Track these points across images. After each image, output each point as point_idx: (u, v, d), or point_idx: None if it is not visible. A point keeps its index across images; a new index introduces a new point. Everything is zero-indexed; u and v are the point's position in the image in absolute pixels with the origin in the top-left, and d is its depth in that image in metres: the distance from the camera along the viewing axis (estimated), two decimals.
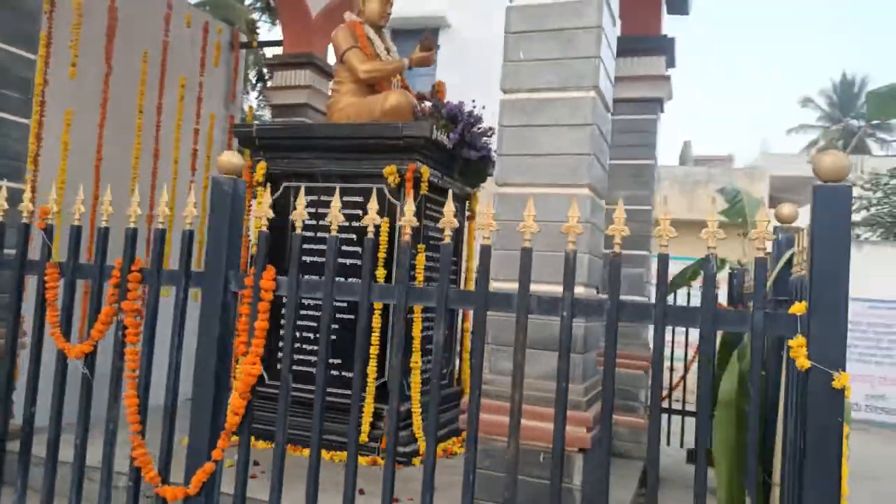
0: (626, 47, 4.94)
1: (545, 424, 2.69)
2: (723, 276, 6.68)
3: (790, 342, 1.76)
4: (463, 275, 5.24)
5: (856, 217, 15.11)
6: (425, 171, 4.30)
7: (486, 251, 2.09)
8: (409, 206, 2.14)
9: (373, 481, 3.28)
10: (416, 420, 4.27)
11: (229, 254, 2.34)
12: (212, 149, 6.41)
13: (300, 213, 2.29)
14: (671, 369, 6.78)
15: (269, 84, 7.07)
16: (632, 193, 5.55)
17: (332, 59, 7.37)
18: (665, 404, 6.59)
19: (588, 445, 2.69)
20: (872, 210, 14.50)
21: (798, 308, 1.79)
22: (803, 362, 1.72)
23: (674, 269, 8.62)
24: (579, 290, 2.72)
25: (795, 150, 36.95)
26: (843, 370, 1.70)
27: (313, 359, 4.50)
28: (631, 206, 5.43)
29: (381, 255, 4.24)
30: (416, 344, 4.33)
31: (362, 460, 4.11)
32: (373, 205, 2.18)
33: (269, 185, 4.55)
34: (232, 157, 2.37)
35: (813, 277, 1.74)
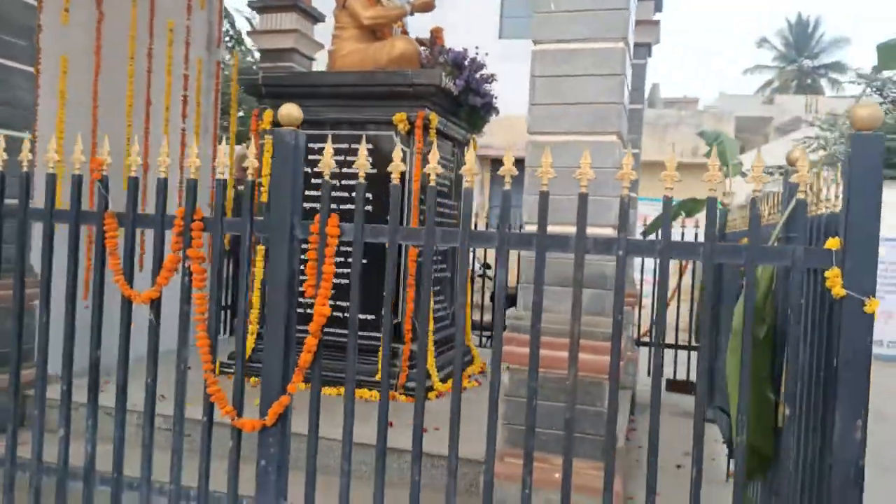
0: None
1: (584, 355, 2.92)
2: (701, 216, 7.01)
3: (827, 273, 1.99)
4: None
5: (813, 156, 15.66)
6: (434, 117, 4.41)
7: (544, 197, 2.25)
8: (471, 156, 2.29)
9: (394, 415, 3.42)
10: (430, 359, 4.49)
11: (293, 202, 2.46)
12: (201, 95, 6.36)
13: (362, 163, 2.42)
14: (652, 306, 7.13)
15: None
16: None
17: (317, 2, 7.30)
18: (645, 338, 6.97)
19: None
20: (830, 149, 15.04)
21: (832, 243, 2.02)
22: (839, 291, 1.96)
23: (645, 210, 8.88)
24: (609, 231, 2.91)
25: (751, 90, 37.60)
26: (874, 297, 1.94)
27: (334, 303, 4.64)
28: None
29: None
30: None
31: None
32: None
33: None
34: (292, 110, 2.47)
35: (849, 216, 1.96)
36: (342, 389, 4.38)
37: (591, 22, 2.89)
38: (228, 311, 6.84)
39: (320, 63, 7.30)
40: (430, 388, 4.42)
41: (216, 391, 2.49)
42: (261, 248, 4.64)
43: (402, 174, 4.38)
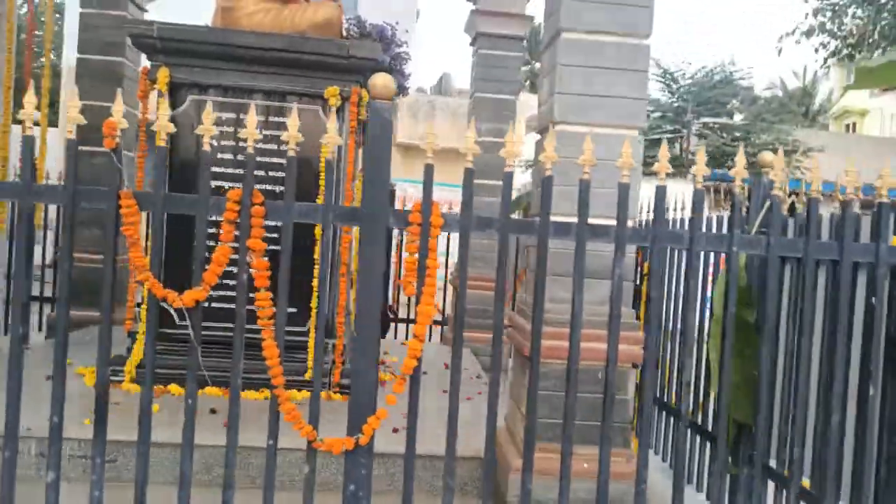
0: None
1: (602, 345, 2.97)
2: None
3: None
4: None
5: None
6: (365, 94, 4.11)
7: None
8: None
9: (331, 413, 3.16)
10: None
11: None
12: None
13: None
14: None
15: None
16: (496, 126, 5.89)
17: None
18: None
19: (641, 361, 3.05)
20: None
21: None
22: None
23: (445, 195, 9.14)
24: (630, 223, 2.99)
25: None
26: None
27: (233, 294, 4.12)
28: (495, 137, 5.81)
29: (323, 182, 4.00)
30: (353, 276, 4.23)
31: None
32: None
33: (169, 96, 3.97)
34: (387, 80, 2.15)
35: None
36: (267, 393, 3.94)
37: (618, 16, 2.92)
38: (42, 304, 5.71)
39: (152, 14, 6.36)
40: None
41: (290, 409, 2.10)
42: None
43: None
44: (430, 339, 6.76)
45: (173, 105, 4.01)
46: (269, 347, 2.09)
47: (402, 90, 4.67)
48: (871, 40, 15.43)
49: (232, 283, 4.10)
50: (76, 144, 2.03)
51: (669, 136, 15.92)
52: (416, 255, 2.13)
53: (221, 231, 2.08)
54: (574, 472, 2.53)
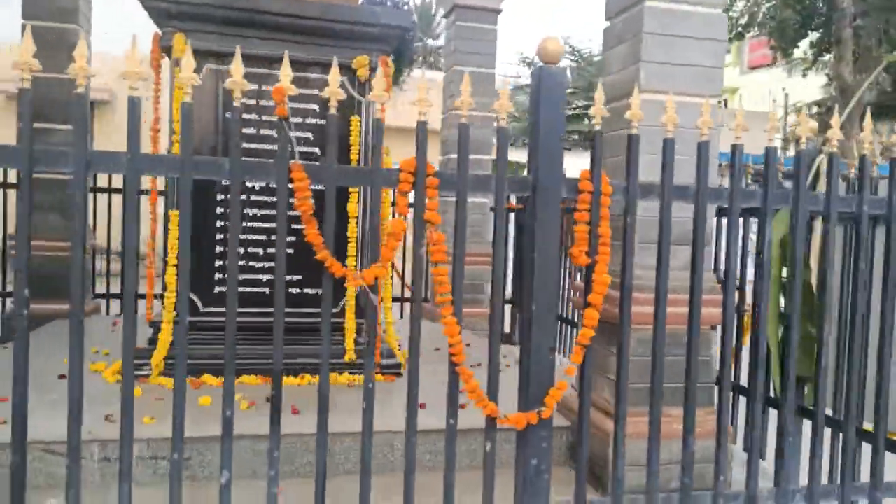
0: None
1: (682, 309, 3.05)
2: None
3: None
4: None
5: None
6: (392, 64, 3.97)
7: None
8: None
9: (381, 396, 2.86)
10: (391, 331, 4.10)
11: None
12: None
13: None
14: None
15: None
16: (477, 101, 5.85)
17: None
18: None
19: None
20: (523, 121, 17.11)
21: None
22: None
23: None
24: None
25: None
26: None
27: (264, 278, 3.90)
28: (481, 111, 5.84)
29: (354, 157, 3.84)
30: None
31: (358, 378, 3.84)
32: None
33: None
34: (557, 45, 2.09)
35: None
36: (308, 378, 3.78)
37: None
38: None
39: None
40: (399, 365, 4.02)
41: (475, 387, 2.02)
42: (173, 214, 3.64)
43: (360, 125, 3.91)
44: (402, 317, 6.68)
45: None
46: (450, 325, 1.99)
47: (410, 60, 4.53)
48: (759, 21, 16.55)
49: (258, 265, 3.90)
50: (236, 111, 1.84)
51: (582, 111, 16.41)
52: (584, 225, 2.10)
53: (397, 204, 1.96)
54: (664, 433, 2.60)
